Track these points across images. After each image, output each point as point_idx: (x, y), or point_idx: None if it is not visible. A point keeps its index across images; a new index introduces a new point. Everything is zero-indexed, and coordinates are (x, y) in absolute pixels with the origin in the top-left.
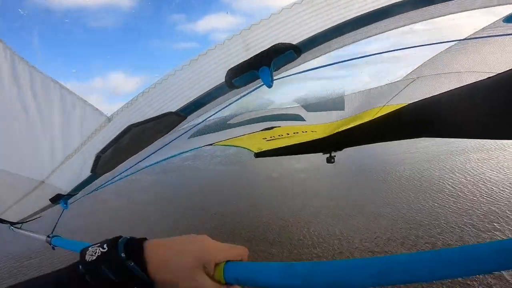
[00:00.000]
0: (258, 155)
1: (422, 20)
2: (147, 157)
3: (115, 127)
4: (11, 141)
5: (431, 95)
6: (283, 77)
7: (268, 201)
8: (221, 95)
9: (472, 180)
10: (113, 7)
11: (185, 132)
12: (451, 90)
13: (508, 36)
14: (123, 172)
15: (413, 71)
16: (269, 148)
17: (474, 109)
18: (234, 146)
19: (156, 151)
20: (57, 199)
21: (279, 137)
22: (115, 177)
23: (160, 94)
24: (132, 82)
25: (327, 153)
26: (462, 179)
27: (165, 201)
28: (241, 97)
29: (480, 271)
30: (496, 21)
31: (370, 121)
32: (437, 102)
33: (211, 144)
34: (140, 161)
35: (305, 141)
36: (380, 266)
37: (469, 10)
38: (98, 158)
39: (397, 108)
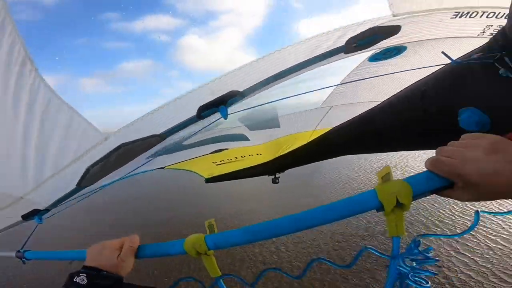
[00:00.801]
0: (209, 180)
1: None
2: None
3: (109, 145)
4: None
5: (348, 119)
6: (234, 112)
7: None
8: (192, 123)
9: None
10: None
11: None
12: (361, 113)
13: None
14: (98, 188)
15: (324, 101)
16: (219, 174)
17: (384, 126)
18: (186, 170)
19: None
20: (32, 214)
21: (228, 161)
22: (90, 191)
23: (148, 123)
24: (51, 81)
25: (272, 175)
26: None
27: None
28: (206, 126)
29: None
30: (363, 61)
31: (305, 144)
32: (354, 125)
33: (162, 168)
34: (112, 180)
35: (252, 165)
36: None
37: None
38: (87, 171)
39: (325, 131)
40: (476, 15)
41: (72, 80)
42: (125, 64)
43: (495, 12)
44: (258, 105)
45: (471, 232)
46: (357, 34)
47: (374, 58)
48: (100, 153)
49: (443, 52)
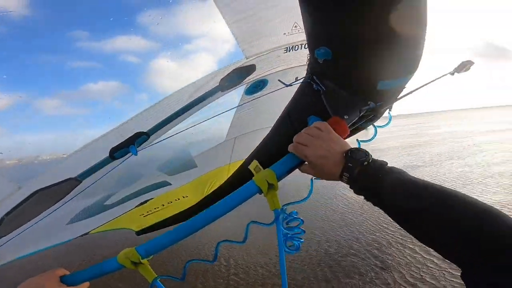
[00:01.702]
0: (139, 233)
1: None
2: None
3: (24, 193)
4: None
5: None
6: (144, 148)
7: None
8: (106, 164)
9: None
10: None
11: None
12: (260, 143)
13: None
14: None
15: (227, 134)
16: (149, 225)
17: (276, 149)
18: (113, 229)
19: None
20: None
21: (155, 210)
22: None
23: (63, 168)
24: (6, 100)
25: None
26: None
27: None
28: (119, 164)
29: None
30: (242, 95)
31: (225, 182)
32: (256, 154)
33: (87, 233)
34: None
35: (180, 210)
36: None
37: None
38: (2, 219)
39: (240, 163)
40: (298, 48)
41: (33, 100)
42: (91, 85)
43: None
44: (165, 138)
45: None
46: (226, 75)
47: (249, 92)
48: (14, 202)
49: (279, 80)
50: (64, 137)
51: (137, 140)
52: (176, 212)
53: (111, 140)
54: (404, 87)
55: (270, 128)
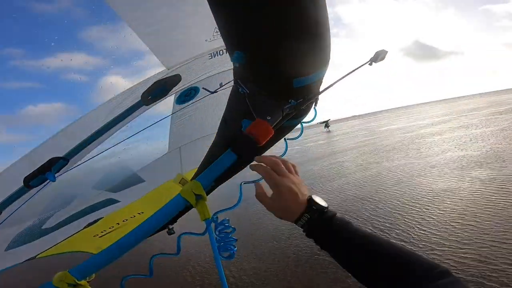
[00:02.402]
0: None
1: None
2: None
3: None
4: None
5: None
6: (65, 172)
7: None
8: (21, 194)
9: None
10: None
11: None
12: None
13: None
14: None
15: (169, 145)
16: (109, 245)
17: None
18: (67, 252)
19: None
20: None
21: (110, 229)
22: None
23: None
24: None
25: (166, 229)
26: None
27: None
28: (38, 191)
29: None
30: (173, 105)
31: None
32: (204, 161)
33: (33, 258)
34: None
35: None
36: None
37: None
38: None
39: (194, 172)
40: (223, 53)
41: None
42: (31, 107)
43: None
44: (89, 159)
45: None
46: (148, 88)
47: (180, 101)
48: None
49: (203, 88)
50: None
51: (54, 165)
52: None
53: (23, 168)
54: (321, 81)
55: (212, 135)
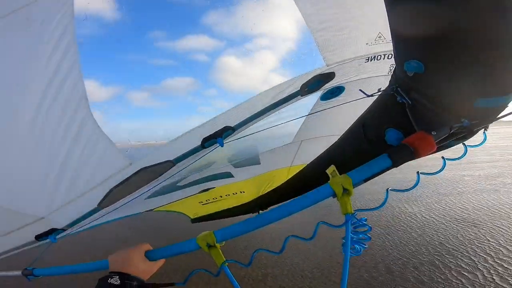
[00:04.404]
0: (194, 220)
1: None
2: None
3: (131, 170)
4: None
5: (316, 155)
6: (228, 141)
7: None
8: (197, 151)
9: None
10: (95, 16)
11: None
12: (325, 151)
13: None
14: (104, 215)
15: (295, 136)
16: (204, 214)
17: (342, 159)
18: (173, 211)
19: (131, 200)
20: (48, 233)
21: (213, 200)
22: (100, 217)
23: (163, 152)
24: (105, 93)
25: (256, 212)
26: None
27: None
28: (208, 153)
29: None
30: (317, 100)
31: (284, 183)
32: (321, 162)
33: (151, 210)
34: (116, 209)
35: (235, 205)
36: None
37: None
38: (110, 191)
39: (300, 168)
40: (380, 58)
41: (124, 93)
42: (169, 80)
43: (392, 54)
44: (246, 135)
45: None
46: (307, 81)
47: (324, 98)
48: (123, 176)
49: (360, 90)
50: (149, 125)
51: (225, 133)
52: (230, 206)
53: (204, 130)
54: (506, 106)
55: (335, 136)
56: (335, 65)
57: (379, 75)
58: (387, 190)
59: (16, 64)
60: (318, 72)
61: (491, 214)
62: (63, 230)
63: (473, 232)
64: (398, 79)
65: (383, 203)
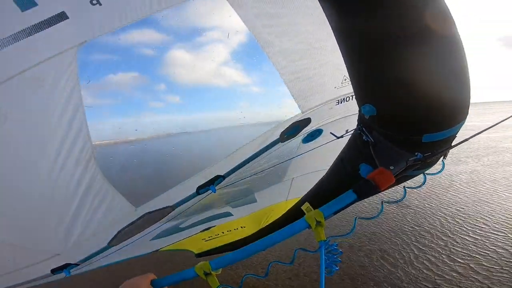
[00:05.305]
0: (199, 255)
1: None
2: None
3: (137, 213)
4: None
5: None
6: (221, 188)
7: None
8: (192, 197)
9: None
10: None
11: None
12: (315, 185)
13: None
14: (114, 252)
15: (285, 176)
16: (208, 248)
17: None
18: (178, 250)
19: (133, 241)
20: (62, 268)
21: (216, 236)
22: (110, 254)
23: (163, 198)
24: None
25: None
26: None
27: None
28: (202, 198)
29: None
30: (299, 144)
31: (282, 215)
32: (314, 191)
33: (157, 250)
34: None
35: (237, 239)
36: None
37: None
38: (118, 232)
39: (296, 201)
40: (349, 99)
41: None
42: (111, 76)
43: None
44: (236, 182)
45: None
46: (285, 128)
47: (306, 140)
48: (129, 219)
49: (331, 133)
50: (95, 125)
51: (216, 181)
52: (233, 240)
53: (198, 179)
54: (455, 136)
55: (322, 171)
56: (309, 111)
57: (350, 115)
58: (355, 218)
59: (35, 119)
60: (296, 119)
61: None
62: (76, 265)
63: None
64: (361, 119)
65: (352, 231)
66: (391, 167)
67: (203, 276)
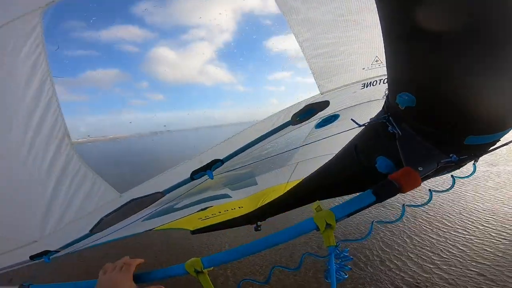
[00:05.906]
0: (194, 232)
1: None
2: (118, 229)
3: (122, 200)
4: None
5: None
6: (218, 174)
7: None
8: (186, 183)
9: None
10: None
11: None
12: (319, 168)
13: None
14: (100, 238)
15: (290, 161)
16: (204, 226)
17: (333, 177)
18: (173, 228)
19: (125, 226)
20: (42, 254)
21: (212, 216)
22: (95, 241)
23: (153, 184)
24: None
25: (254, 224)
26: None
27: None
28: (198, 184)
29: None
30: (311, 129)
31: (281, 195)
32: (314, 178)
33: (151, 229)
34: (113, 232)
35: (234, 217)
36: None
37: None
38: (101, 220)
39: (296, 183)
40: (376, 83)
41: None
42: (90, 72)
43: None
44: (236, 168)
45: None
46: (298, 111)
47: (319, 125)
48: (113, 206)
49: (352, 119)
50: (68, 123)
51: (214, 165)
52: (230, 218)
53: (192, 165)
54: (499, 140)
55: (330, 155)
56: (329, 93)
57: (374, 100)
58: (372, 222)
59: None
60: (311, 101)
61: None
62: (56, 251)
63: None
64: (390, 107)
65: (368, 235)
66: (420, 168)
67: (193, 274)
